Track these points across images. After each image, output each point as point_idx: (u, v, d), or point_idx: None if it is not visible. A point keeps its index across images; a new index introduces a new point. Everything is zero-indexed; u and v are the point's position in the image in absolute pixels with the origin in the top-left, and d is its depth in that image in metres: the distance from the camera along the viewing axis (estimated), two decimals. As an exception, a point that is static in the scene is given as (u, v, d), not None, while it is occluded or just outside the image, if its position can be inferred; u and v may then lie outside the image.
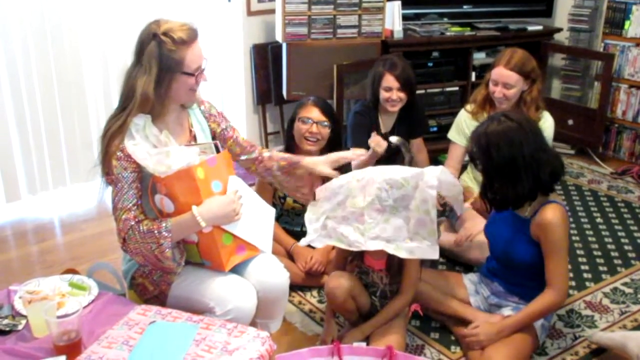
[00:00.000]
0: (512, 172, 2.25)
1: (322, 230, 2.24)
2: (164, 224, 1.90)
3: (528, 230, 2.34)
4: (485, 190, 2.37)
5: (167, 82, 1.96)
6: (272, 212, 2.24)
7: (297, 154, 2.83)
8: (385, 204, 2.20)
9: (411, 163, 2.97)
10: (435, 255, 2.20)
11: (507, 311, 2.46)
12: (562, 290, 2.33)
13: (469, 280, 2.67)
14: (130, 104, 1.97)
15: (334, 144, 2.85)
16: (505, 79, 2.98)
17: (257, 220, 2.11)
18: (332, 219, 2.25)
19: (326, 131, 2.79)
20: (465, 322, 2.50)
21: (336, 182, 2.28)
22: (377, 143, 2.96)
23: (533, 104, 3.02)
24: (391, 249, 2.20)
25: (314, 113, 2.78)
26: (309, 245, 2.82)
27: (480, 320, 2.44)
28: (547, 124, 3.09)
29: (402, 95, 3.21)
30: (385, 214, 2.20)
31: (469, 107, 3.20)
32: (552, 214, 2.27)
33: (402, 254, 2.20)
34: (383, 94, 3.23)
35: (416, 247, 2.19)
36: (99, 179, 2.04)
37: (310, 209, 2.30)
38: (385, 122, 3.37)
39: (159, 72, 1.95)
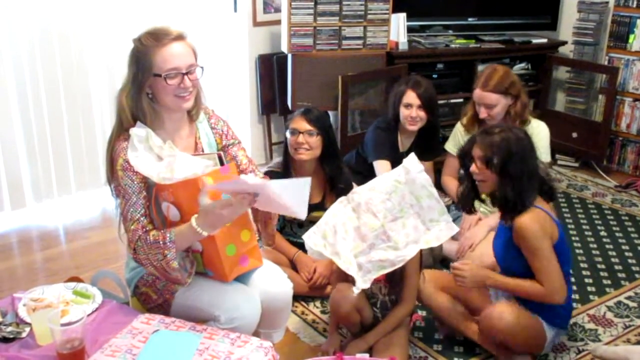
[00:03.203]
0: (527, 179, 2.33)
1: (359, 272, 2.22)
2: (168, 235, 1.88)
3: (512, 238, 2.36)
4: (502, 196, 2.39)
5: (143, 85, 1.95)
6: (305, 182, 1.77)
7: (293, 165, 2.87)
8: (395, 212, 2.23)
9: None
10: (454, 229, 2.28)
11: None
12: (553, 289, 2.31)
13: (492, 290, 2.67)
14: (119, 114, 2.00)
15: (329, 152, 2.85)
16: (484, 100, 3.07)
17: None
18: (360, 256, 2.23)
19: (314, 140, 2.78)
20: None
21: (323, 224, 2.27)
22: None
23: (518, 118, 3.09)
24: (424, 246, 2.24)
25: (300, 124, 2.79)
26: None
27: (474, 263, 2.47)
28: (542, 134, 3.13)
29: (422, 114, 3.22)
30: (399, 220, 2.24)
31: (463, 120, 3.30)
32: (526, 217, 2.29)
33: (434, 244, 2.26)
34: (403, 111, 3.23)
35: (438, 232, 2.25)
36: (106, 187, 2.05)
37: (336, 261, 2.24)
38: (404, 142, 3.38)
39: (134, 74, 1.96)
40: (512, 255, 2.39)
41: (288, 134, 2.82)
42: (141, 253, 1.92)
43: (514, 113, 3.08)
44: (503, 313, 2.34)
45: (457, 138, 3.32)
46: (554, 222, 2.35)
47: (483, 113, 3.09)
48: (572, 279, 2.85)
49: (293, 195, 1.74)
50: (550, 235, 2.32)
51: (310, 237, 2.27)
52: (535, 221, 2.29)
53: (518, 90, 3.08)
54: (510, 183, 2.33)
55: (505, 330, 2.33)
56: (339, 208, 2.29)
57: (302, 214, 1.77)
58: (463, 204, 2.58)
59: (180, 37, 1.97)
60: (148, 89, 1.97)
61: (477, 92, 3.10)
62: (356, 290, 2.22)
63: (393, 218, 2.23)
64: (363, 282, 2.21)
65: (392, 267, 2.22)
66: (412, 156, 2.30)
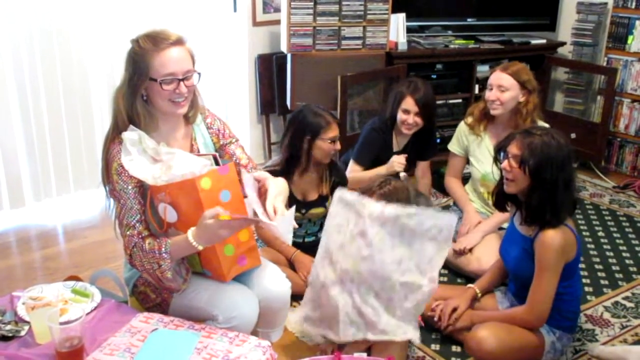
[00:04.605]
0: (563, 189, 2.27)
1: (408, 325, 2.17)
2: (164, 246, 1.88)
3: (532, 249, 2.34)
4: (527, 199, 2.34)
5: (139, 88, 1.93)
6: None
7: (305, 168, 2.87)
8: (396, 239, 2.14)
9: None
10: (454, 218, 2.14)
11: None
12: (535, 311, 2.32)
13: (499, 291, 2.68)
14: (115, 115, 1.99)
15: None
16: (499, 80, 3.03)
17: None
18: (397, 310, 2.16)
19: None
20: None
21: (343, 315, 2.19)
22: (399, 162, 3.16)
23: (529, 117, 3.05)
24: (446, 250, 2.14)
25: (336, 132, 2.82)
26: (310, 254, 2.84)
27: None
28: None
29: (418, 120, 3.22)
30: (407, 244, 2.14)
31: (467, 119, 3.26)
32: (552, 234, 2.26)
33: (450, 245, 2.16)
34: (401, 116, 3.24)
35: (442, 217, 2.15)
36: (103, 187, 2.05)
37: (389, 338, 2.18)
38: (399, 142, 3.39)
39: (130, 76, 1.94)
40: (528, 263, 2.35)
41: (326, 143, 2.80)
42: (137, 260, 1.93)
43: (526, 112, 3.04)
44: (481, 340, 2.32)
45: (460, 138, 3.29)
46: (576, 242, 2.32)
47: (493, 95, 3.04)
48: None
49: (287, 227, 1.89)
50: (567, 259, 2.30)
51: (345, 333, 2.17)
52: (561, 242, 2.25)
53: (533, 87, 3.06)
54: (541, 190, 2.27)
55: (488, 356, 2.32)
56: (341, 297, 2.18)
57: (289, 240, 1.93)
58: (495, 202, 2.54)
59: (179, 42, 1.94)
60: (143, 91, 1.96)
61: (495, 74, 3.06)
62: (417, 341, 2.19)
63: (401, 242, 2.12)
64: (414, 331, 2.18)
65: (430, 295, 2.16)
66: (338, 192, 2.20)
